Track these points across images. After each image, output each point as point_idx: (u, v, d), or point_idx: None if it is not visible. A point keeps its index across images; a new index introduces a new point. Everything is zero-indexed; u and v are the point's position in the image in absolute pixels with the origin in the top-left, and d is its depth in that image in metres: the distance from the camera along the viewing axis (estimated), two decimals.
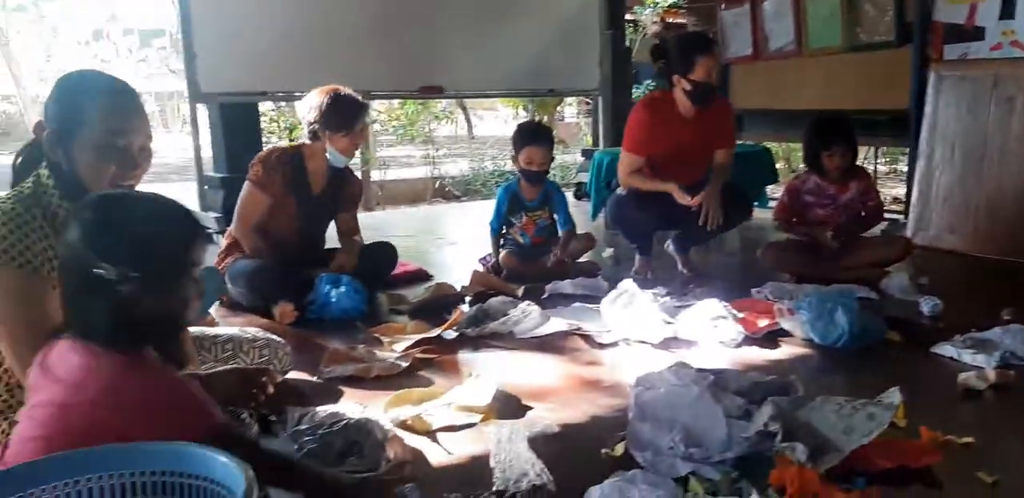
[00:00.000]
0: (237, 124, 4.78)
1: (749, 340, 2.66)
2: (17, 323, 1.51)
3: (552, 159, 3.76)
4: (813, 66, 5.37)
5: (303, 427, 1.83)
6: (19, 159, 1.70)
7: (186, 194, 5.07)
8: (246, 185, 3.18)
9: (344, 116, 3.11)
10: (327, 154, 3.17)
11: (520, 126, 3.82)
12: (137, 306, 1.25)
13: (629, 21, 10.70)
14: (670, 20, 11.99)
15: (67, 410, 1.18)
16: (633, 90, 9.51)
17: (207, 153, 4.91)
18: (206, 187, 4.78)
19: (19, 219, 1.56)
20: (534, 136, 3.64)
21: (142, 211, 1.33)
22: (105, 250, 1.24)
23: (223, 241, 3.33)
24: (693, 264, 3.77)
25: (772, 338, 2.68)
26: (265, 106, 7.17)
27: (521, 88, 6.04)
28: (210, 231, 4.57)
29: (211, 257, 3.33)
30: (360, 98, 3.18)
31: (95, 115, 1.62)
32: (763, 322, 2.74)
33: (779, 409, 1.74)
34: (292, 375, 2.35)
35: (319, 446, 1.71)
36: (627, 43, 6.74)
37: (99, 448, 1.04)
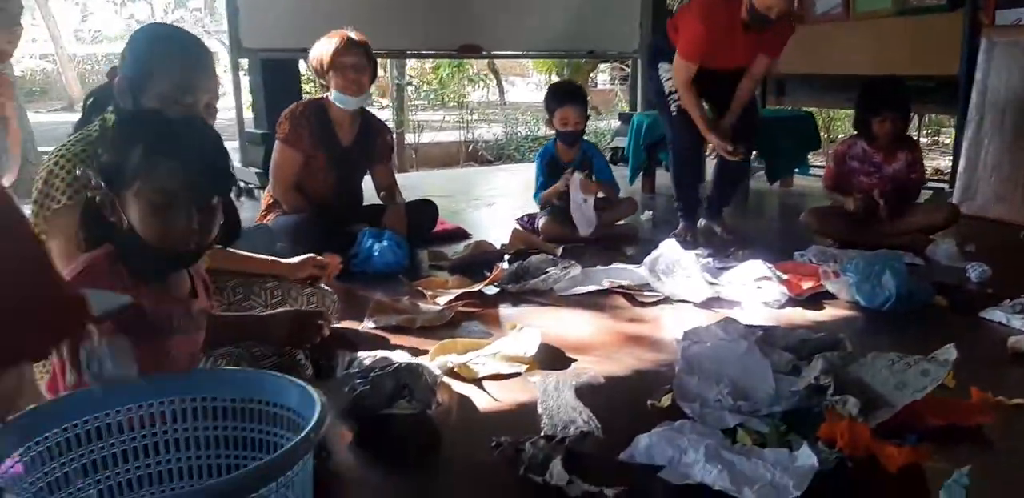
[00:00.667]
0: (278, 80, 4.77)
1: (793, 301, 2.64)
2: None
3: (587, 118, 3.74)
4: (860, 30, 5.23)
5: (354, 370, 1.86)
6: (90, 99, 1.72)
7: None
8: (276, 144, 3.21)
9: (335, 51, 3.10)
10: (333, 99, 3.17)
11: (553, 86, 3.80)
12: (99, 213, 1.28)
13: None
14: None
15: None
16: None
17: (247, 111, 4.94)
18: (247, 143, 4.81)
19: (88, 162, 1.58)
20: (568, 96, 3.61)
21: (175, 132, 1.31)
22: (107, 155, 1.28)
23: (263, 200, 3.36)
24: (731, 228, 3.74)
25: (816, 300, 2.66)
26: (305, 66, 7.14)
27: (559, 49, 5.96)
28: (251, 186, 4.61)
29: (251, 215, 3.37)
30: (355, 37, 3.15)
31: (166, 69, 1.64)
32: (807, 284, 2.72)
33: (830, 364, 1.74)
34: (339, 324, 2.38)
35: (370, 388, 1.72)
36: (668, 5, 6.62)
37: (177, 374, 1.06)
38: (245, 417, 1.03)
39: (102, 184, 1.26)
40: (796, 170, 5.09)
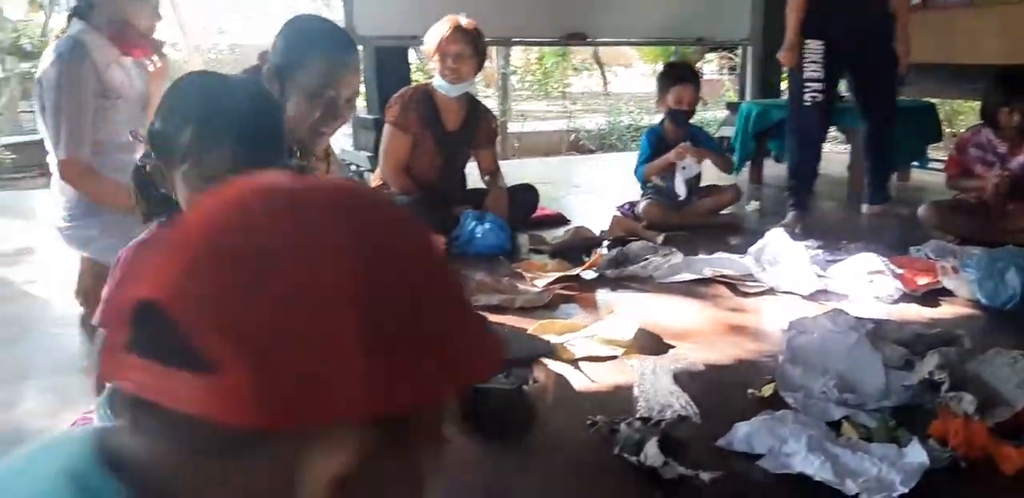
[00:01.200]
0: (389, 67, 4.88)
1: (907, 297, 2.53)
2: None
3: (699, 100, 3.68)
4: (988, 17, 4.92)
5: None
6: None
7: (339, 135, 5.26)
8: (386, 127, 3.30)
9: (442, 38, 3.15)
10: (435, 85, 3.22)
11: (667, 65, 3.76)
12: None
13: None
14: None
15: None
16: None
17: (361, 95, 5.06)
18: (359, 128, 4.94)
19: None
20: (683, 74, 3.58)
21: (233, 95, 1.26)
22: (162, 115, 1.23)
23: (372, 182, 3.46)
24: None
25: (933, 296, 2.54)
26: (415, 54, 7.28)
27: (667, 37, 5.85)
28: (362, 169, 4.74)
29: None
30: (465, 24, 3.17)
31: (315, 63, 1.69)
32: (923, 280, 2.60)
33: (946, 359, 1.66)
34: None
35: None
36: None
37: None
38: None
39: (152, 154, 1.24)
40: (915, 163, 4.85)
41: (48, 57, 2.31)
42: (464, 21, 3.19)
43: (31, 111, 8.10)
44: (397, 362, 0.41)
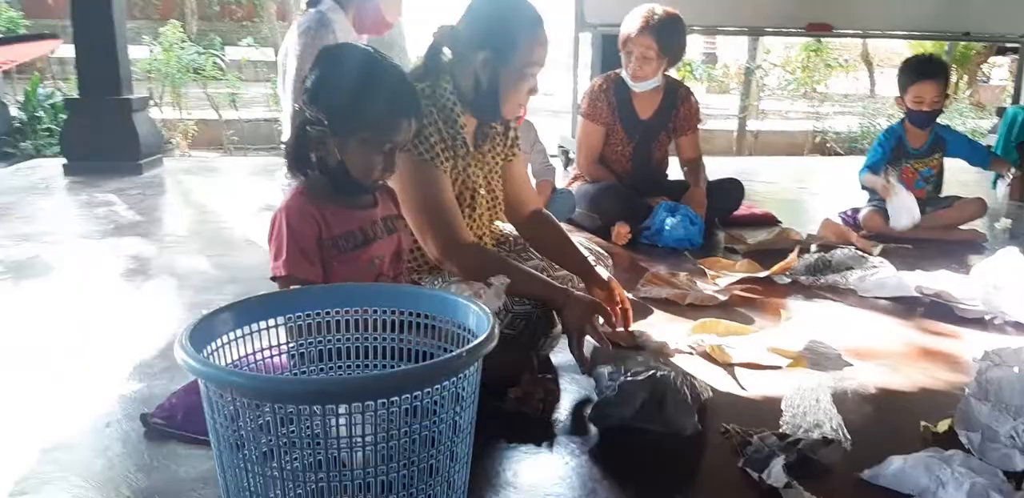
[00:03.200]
0: (613, 55, 4.84)
1: None
2: (414, 201, 1.71)
3: (946, 97, 3.25)
4: None
5: (608, 369, 1.65)
6: (425, 62, 1.84)
7: (562, 123, 5.33)
8: (579, 119, 3.27)
9: (627, 35, 3.06)
10: (624, 77, 3.13)
11: (909, 60, 3.34)
12: (321, 146, 1.39)
13: None
14: None
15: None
16: None
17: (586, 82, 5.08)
18: (579, 115, 4.95)
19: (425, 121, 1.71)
20: (925, 69, 3.16)
21: (361, 61, 1.41)
22: (315, 94, 1.38)
23: (572, 169, 3.46)
24: None
25: None
26: None
27: (927, 29, 5.19)
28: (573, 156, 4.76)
29: (560, 182, 3.47)
30: (659, 16, 3.02)
31: (528, 46, 1.73)
32: None
33: None
34: None
35: (617, 396, 1.53)
36: None
37: (371, 285, 1.14)
38: (426, 332, 1.07)
39: (325, 122, 1.37)
40: None
41: (295, 29, 2.53)
42: (659, 13, 3.03)
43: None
44: None
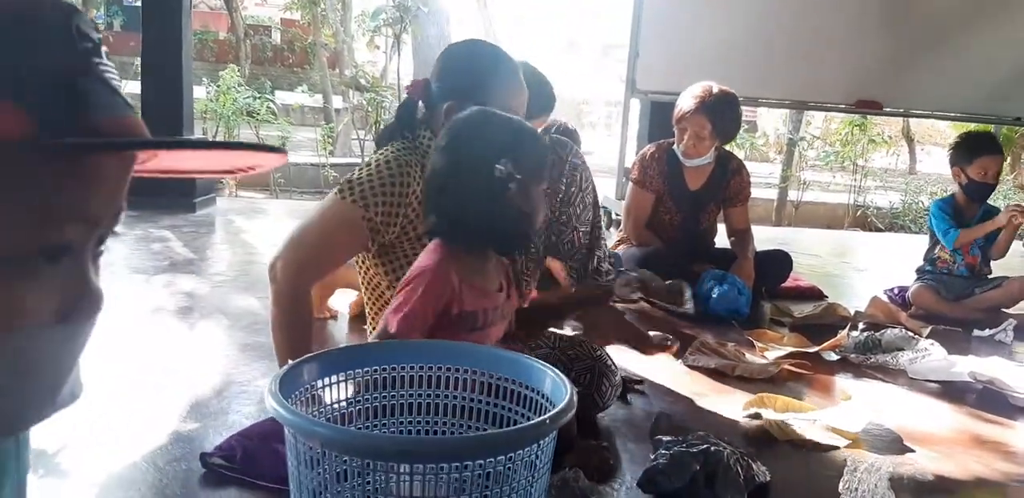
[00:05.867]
0: (660, 122, 4.92)
1: None
2: (310, 243, 1.68)
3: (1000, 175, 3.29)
4: None
5: (667, 439, 1.65)
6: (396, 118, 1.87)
7: (607, 184, 5.39)
8: (629, 186, 3.31)
9: (681, 111, 3.09)
10: (676, 150, 3.19)
11: (969, 135, 3.40)
12: (507, 204, 1.40)
13: None
14: None
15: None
16: None
17: (633, 146, 5.16)
18: (624, 179, 5.02)
19: (399, 170, 1.69)
20: (991, 144, 3.24)
21: (520, 128, 1.48)
22: (500, 152, 1.39)
23: (616, 236, 3.49)
24: None
25: None
26: None
27: (977, 112, 5.22)
28: (618, 217, 4.80)
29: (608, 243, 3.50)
30: (716, 94, 3.07)
31: (498, 85, 1.77)
32: None
33: None
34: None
35: (669, 464, 1.53)
36: None
37: (455, 344, 1.15)
38: (500, 394, 1.08)
39: (517, 176, 1.40)
40: None
41: None
42: (715, 92, 3.07)
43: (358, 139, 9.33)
44: None
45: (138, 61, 4.93)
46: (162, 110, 4.78)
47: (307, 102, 12.55)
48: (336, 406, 1.08)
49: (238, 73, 9.48)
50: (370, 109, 9.23)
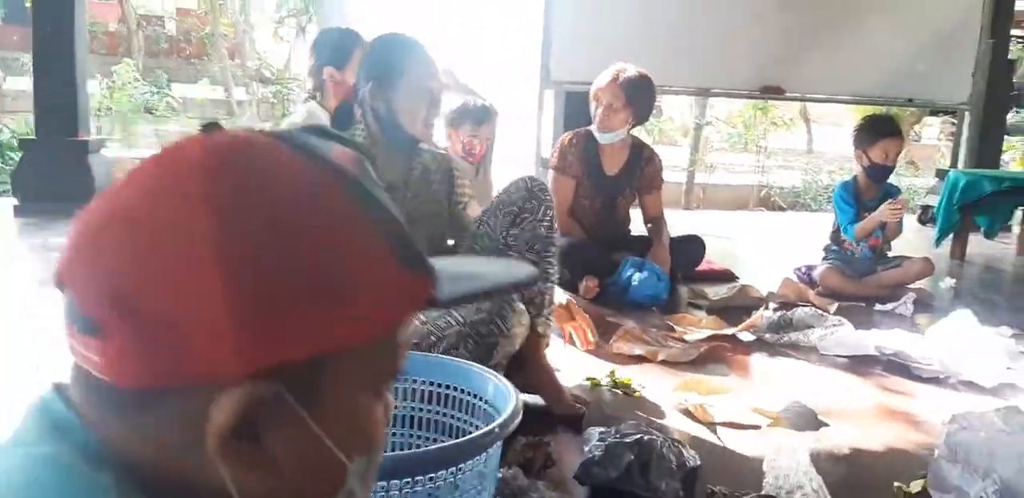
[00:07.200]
0: (577, 111, 4.97)
1: None
2: None
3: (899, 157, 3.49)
4: None
5: (599, 430, 1.67)
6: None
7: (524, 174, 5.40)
8: (549, 172, 3.35)
9: (598, 86, 3.18)
10: (593, 131, 3.25)
11: (872, 117, 3.56)
12: None
13: (1019, 36, 9.34)
14: None
15: None
16: (1013, 113, 8.28)
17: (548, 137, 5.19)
18: (541, 168, 5.06)
19: None
20: (891, 127, 3.42)
21: None
22: None
23: None
24: None
25: None
26: None
27: (873, 95, 5.51)
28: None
29: None
30: (629, 73, 3.15)
31: (411, 66, 1.90)
32: None
33: None
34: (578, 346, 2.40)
35: (604, 455, 1.54)
36: (1012, 58, 5.89)
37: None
38: (441, 402, 1.08)
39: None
40: None
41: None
42: (630, 72, 3.16)
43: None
44: (269, 312, 0.41)
45: (27, 56, 4.65)
46: (57, 108, 4.55)
47: (209, 95, 12.14)
48: None
49: (133, 67, 9.07)
50: (275, 101, 8.99)
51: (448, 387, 1.09)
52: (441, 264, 0.49)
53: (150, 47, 14.65)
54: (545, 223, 1.93)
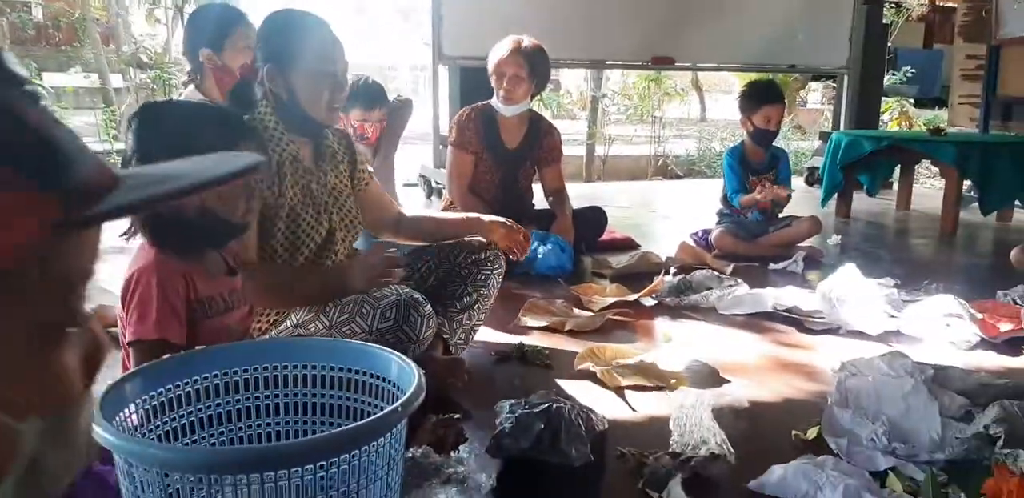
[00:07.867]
0: (473, 87, 4.94)
1: (986, 344, 2.37)
2: None
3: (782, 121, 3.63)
4: None
5: (509, 402, 1.67)
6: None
7: (424, 153, 5.36)
8: (448, 148, 3.33)
9: (498, 59, 3.18)
10: (493, 104, 3.26)
11: (754, 84, 3.68)
12: (192, 205, 1.31)
13: (892, 1, 9.82)
14: (940, 3, 10.85)
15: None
16: (888, 76, 8.73)
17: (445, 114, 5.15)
18: (441, 146, 5.02)
19: None
20: (773, 93, 3.55)
21: (180, 113, 1.40)
22: (139, 146, 1.32)
23: (442, 202, 3.50)
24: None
25: (1015, 345, 2.37)
26: None
27: (758, 63, 5.70)
28: (441, 187, 4.81)
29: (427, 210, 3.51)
30: (526, 45, 3.17)
31: (309, 47, 1.78)
32: (1006, 326, 2.43)
33: (1006, 412, 1.54)
34: (489, 324, 2.40)
35: (515, 426, 1.56)
36: (885, 22, 6.19)
37: (284, 340, 1.12)
38: (343, 386, 1.06)
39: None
40: (1016, 203, 4.57)
41: None
42: (526, 42, 3.18)
43: None
44: None
45: None
46: None
47: (81, 84, 11.45)
48: (167, 421, 1.02)
49: None
50: (155, 87, 8.57)
51: (350, 370, 1.07)
52: (135, 171, 0.45)
53: (16, 34, 13.72)
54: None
